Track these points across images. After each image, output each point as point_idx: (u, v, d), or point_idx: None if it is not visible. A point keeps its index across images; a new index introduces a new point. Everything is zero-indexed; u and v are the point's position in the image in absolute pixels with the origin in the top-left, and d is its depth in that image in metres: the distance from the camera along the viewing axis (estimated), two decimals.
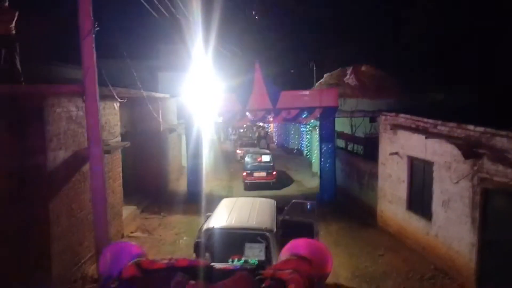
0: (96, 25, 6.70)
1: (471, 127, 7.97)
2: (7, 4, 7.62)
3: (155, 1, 9.46)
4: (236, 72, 19.70)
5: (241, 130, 38.97)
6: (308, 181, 18.50)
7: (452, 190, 8.56)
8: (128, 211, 11.80)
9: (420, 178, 10.10)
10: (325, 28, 23.55)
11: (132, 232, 11.11)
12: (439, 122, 9.06)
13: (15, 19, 7.57)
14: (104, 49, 7.80)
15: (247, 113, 15.21)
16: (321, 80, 19.41)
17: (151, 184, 14.62)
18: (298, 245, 2.28)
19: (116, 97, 8.82)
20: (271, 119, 16.59)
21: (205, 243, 6.55)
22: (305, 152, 25.62)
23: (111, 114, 10.02)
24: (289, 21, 25.08)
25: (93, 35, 6.77)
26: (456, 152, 8.22)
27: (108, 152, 8.57)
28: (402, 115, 10.82)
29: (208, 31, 14.37)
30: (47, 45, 13.68)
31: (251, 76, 14.62)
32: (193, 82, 14.68)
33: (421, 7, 15.93)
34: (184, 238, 10.79)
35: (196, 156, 15.14)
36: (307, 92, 15.47)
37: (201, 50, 14.01)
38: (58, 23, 13.35)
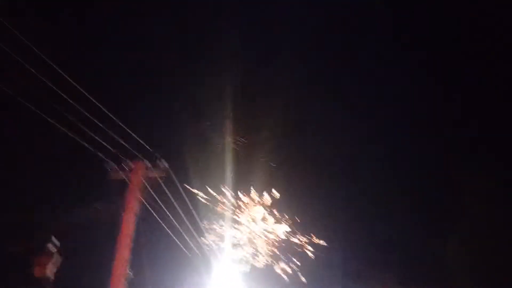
0: (130, 272, 6.65)
1: None
2: (53, 248, 7.32)
3: None
4: None
5: None
6: None
7: None
8: None
9: None
10: None
11: None
12: None
13: (59, 265, 7.21)
14: None
15: None
16: None
17: None
18: None
19: None
20: None
21: None
22: None
23: None
24: None
25: (126, 281, 6.66)
26: None
27: None
28: None
29: None
30: None
31: None
32: None
33: None
34: None
35: None
36: None
37: None
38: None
